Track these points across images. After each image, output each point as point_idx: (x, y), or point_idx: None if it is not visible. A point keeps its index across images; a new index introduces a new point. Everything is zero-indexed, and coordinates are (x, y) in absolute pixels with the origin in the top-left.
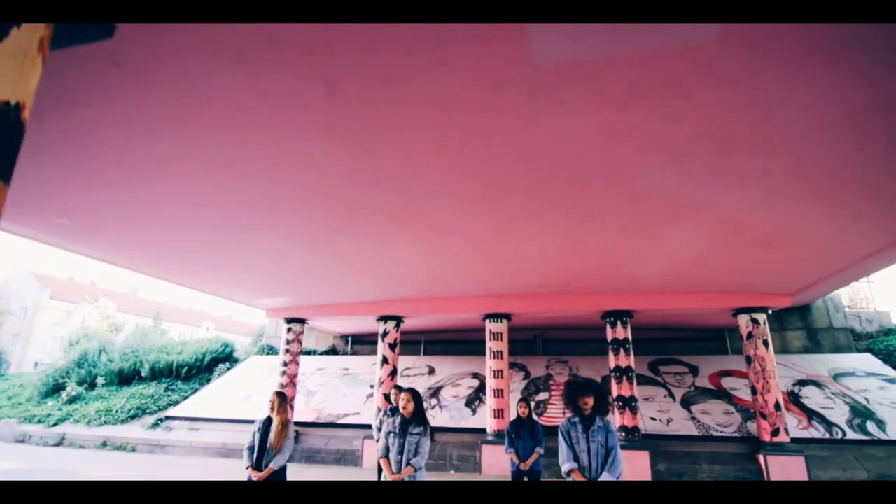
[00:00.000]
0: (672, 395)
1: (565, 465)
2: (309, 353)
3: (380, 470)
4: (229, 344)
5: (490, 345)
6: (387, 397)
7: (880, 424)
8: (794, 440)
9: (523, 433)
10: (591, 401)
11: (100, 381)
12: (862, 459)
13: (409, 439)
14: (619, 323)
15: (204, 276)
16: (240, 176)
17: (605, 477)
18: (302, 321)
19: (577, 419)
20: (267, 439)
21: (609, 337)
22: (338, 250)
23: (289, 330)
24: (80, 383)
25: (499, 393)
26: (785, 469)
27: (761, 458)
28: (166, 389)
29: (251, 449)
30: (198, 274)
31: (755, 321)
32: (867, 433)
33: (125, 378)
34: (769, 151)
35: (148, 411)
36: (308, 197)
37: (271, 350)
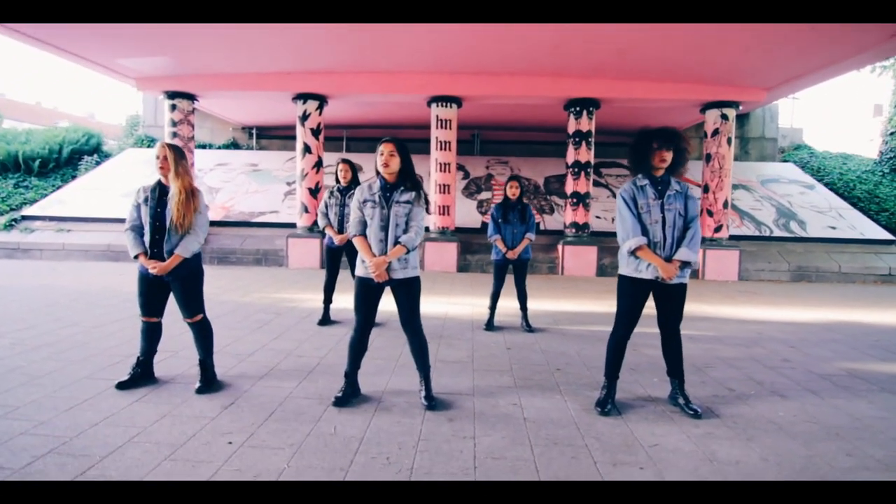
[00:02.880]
0: (614, 195)
1: (630, 241)
2: (203, 147)
3: (329, 261)
4: (94, 134)
5: (436, 133)
6: (311, 193)
7: (801, 224)
8: (729, 237)
9: (512, 217)
10: (669, 156)
11: None
12: (784, 254)
13: (396, 210)
14: (584, 113)
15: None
16: None
17: (682, 254)
18: (190, 97)
19: (646, 182)
20: (164, 216)
21: (571, 129)
22: None
23: (173, 107)
24: None
25: (444, 188)
26: (720, 262)
27: (700, 251)
28: (16, 186)
29: (136, 229)
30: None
31: (724, 116)
32: (790, 231)
33: None
34: None
35: None
36: None
37: (152, 142)
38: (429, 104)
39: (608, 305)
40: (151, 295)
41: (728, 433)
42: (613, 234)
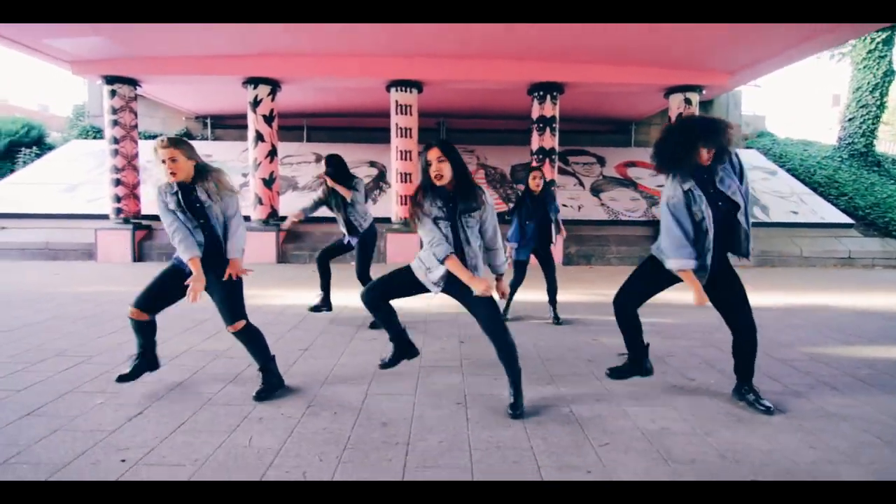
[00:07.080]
0: (581, 184)
1: (674, 261)
2: (154, 137)
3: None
4: (34, 125)
5: (396, 120)
6: (265, 184)
7: (764, 209)
8: None
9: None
10: (711, 154)
11: None
12: None
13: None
14: (548, 98)
15: None
16: None
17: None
18: (132, 82)
19: (690, 182)
20: (204, 208)
21: (535, 114)
22: None
23: (113, 94)
24: None
25: (406, 177)
26: None
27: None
28: None
29: (182, 230)
30: None
31: (688, 101)
32: (753, 217)
33: None
34: None
35: None
36: None
37: (99, 133)
38: (388, 89)
39: (578, 294)
40: (166, 290)
41: (684, 427)
42: (581, 223)
